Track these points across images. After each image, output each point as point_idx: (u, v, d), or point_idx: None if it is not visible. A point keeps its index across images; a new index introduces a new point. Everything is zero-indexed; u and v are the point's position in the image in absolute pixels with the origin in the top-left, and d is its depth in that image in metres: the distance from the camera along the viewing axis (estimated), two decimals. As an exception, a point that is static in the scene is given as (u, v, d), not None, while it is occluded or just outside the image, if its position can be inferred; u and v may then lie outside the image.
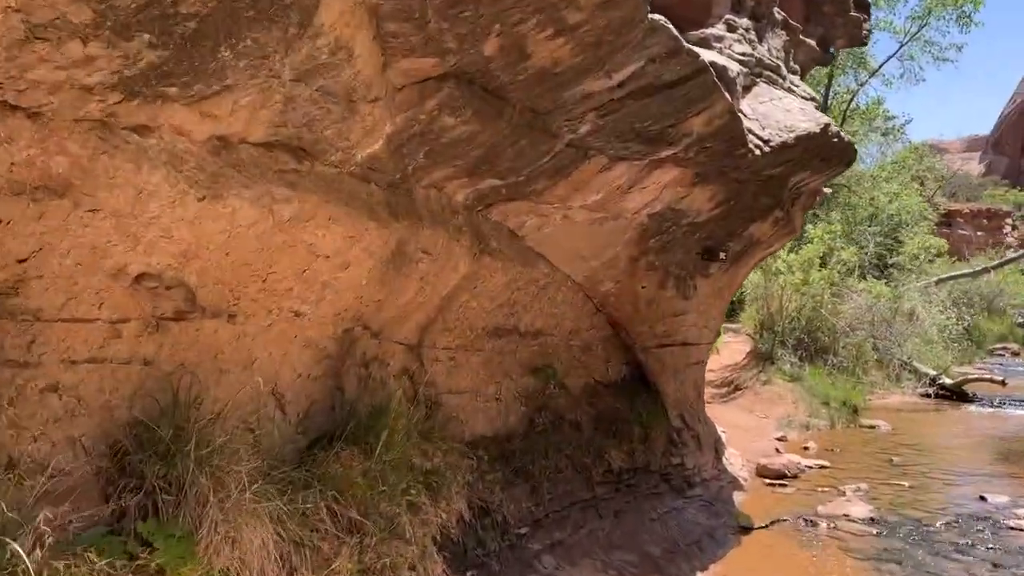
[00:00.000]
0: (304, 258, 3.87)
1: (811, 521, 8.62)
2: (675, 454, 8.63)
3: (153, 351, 3.35)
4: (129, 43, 2.37)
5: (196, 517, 3.12)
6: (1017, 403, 17.49)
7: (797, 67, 8.64)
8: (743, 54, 6.80)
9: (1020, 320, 34.19)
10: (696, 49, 4.89)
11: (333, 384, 4.78)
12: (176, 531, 3.11)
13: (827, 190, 11.52)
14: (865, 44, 10.99)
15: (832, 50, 9.91)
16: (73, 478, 3.03)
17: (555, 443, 6.99)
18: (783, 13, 7.96)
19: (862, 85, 25.32)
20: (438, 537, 4.77)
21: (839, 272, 18.82)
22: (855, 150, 8.06)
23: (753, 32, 7.29)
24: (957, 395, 18.34)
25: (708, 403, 10.69)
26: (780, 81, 7.47)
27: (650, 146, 5.57)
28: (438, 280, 5.28)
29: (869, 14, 10.12)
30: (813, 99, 7.92)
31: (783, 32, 8.24)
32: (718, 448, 9.94)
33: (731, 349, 18.05)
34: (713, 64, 5.30)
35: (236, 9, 2.47)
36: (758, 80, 7.14)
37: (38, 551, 2.56)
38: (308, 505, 3.85)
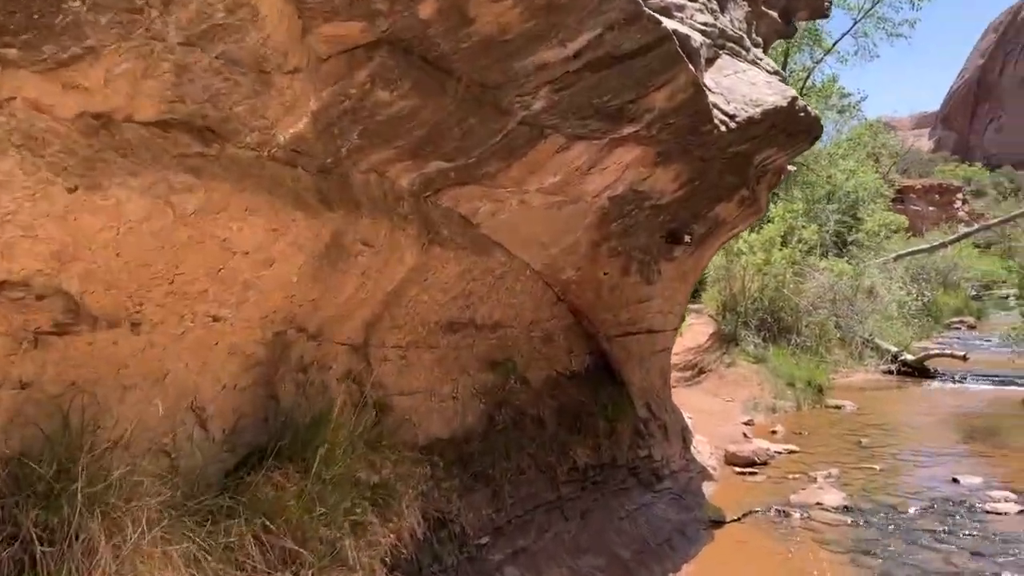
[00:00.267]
0: (217, 256, 3.35)
1: (784, 512, 8.37)
2: (642, 446, 8.29)
3: (32, 372, 2.81)
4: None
5: (85, 570, 2.59)
6: (978, 377, 17.62)
7: (760, 40, 8.30)
8: (705, 24, 6.37)
9: (974, 293, 34.91)
10: (657, 16, 4.48)
11: (265, 393, 4.28)
12: (58, 589, 2.59)
13: (791, 168, 11.24)
14: (827, 16, 10.71)
15: (793, 21, 9.58)
16: (-69, 529, 2.52)
17: (517, 442, 6.58)
18: (745, -18, 7.60)
19: (818, 63, 25.27)
20: (387, 559, 4.30)
21: (800, 251, 18.71)
22: (821, 125, 7.76)
23: (715, 2, 6.90)
24: (919, 371, 18.42)
25: (673, 387, 10.37)
26: (744, 53, 7.10)
27: (610, 123, 5.15)
28: (382, 274, 4.80)
29: (830, -16, 9.83)
30: (778, 72, 7.57)
31: (745, 3, 7.88)
32: (686, 437, 9.64)
33: (694, 331, 17.81)
34: (676, 33, 4.89)
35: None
36: (721, 52, 6.75)
37: None
38: (232, 538, 3.36)
